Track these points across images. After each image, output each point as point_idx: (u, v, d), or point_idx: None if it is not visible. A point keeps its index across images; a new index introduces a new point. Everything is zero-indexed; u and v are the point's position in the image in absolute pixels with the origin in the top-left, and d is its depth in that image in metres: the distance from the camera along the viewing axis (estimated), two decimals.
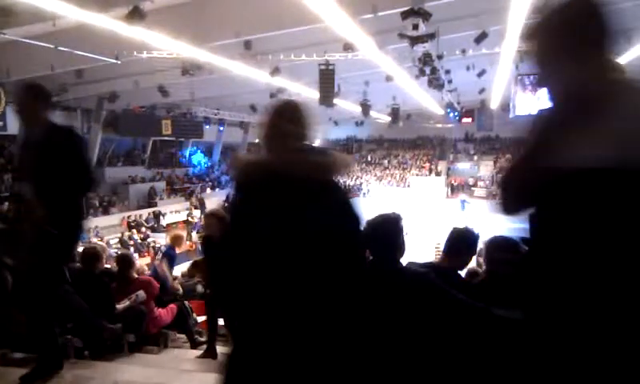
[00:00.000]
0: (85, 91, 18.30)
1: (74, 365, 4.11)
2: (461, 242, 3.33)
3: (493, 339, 2.70)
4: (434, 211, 27.90)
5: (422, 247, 15.82)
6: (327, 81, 14.46)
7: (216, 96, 23.12)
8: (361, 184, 41.31)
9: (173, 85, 17.27)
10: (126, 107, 21.87)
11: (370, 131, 42.23)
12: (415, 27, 9.88)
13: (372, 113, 24.82)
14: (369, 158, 45.31)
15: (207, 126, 28.79)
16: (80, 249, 5.47)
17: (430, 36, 10.70)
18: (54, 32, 11.12)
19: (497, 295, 2.95)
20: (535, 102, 22.52)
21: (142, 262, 10.72)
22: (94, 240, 14.11)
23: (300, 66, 15.50)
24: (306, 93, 19.58)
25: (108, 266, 6.75)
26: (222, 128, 32.52)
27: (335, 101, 16.08)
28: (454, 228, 3.45)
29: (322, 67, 14.16)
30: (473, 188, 37.78)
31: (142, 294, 5.54)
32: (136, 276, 5.94)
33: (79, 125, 21.76)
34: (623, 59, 16.20)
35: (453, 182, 39.50)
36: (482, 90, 25.44)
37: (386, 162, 44.44)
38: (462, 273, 3.60)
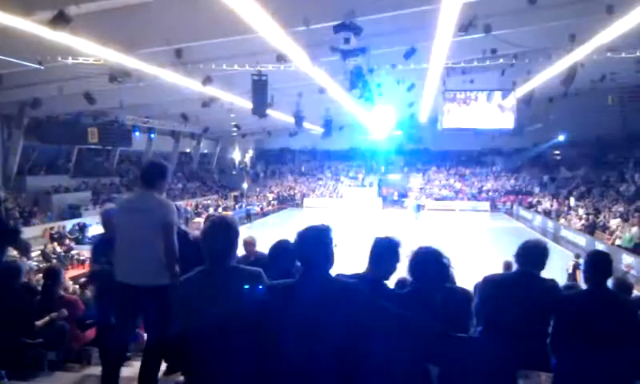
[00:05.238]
0: (5, 97, 17.42)
1: None
2: (383, 251, 3.32)
3: (420, 346, 2.78)
4: (367, 222, 28.19)
5: (353, 258, 15.92)
6: (260, 91, 14.40)
7: (145, 104, 22.55)
8: (294, 195, 41.41)
9: (100, 92, 16.69)
10: (50, 114, 20.98)
11: (303, 142, 42.37)
12: (347, 41, 10.07)
13: (305, 124, 24.93)
14: (302, 169, 45.50)
15: (137, 134, 28.03)
16: None
17: (362, 50, 10.92)
18: None
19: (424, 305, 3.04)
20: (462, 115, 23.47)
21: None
22: (14, 253, 13.34)
23: (233, 75, 15.36)
24: (238, 102, 19.46)
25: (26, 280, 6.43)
26: (152, 135, 31.59)
27: (268, 111, 16.03)
28: (376, 237, 3.40)
29: (255, 77, 14.10)
30: (402, 199, 38.67)
31: (63, 312, 5.30)
32: (62, 293, 5.70)
33: None
34: (543, 76, 17.13)
35: (385, 192, 40.35)
36: (411, 104, 26.14)
37: (319, 173, 44.78)
38: (391, 282, 3.63)
